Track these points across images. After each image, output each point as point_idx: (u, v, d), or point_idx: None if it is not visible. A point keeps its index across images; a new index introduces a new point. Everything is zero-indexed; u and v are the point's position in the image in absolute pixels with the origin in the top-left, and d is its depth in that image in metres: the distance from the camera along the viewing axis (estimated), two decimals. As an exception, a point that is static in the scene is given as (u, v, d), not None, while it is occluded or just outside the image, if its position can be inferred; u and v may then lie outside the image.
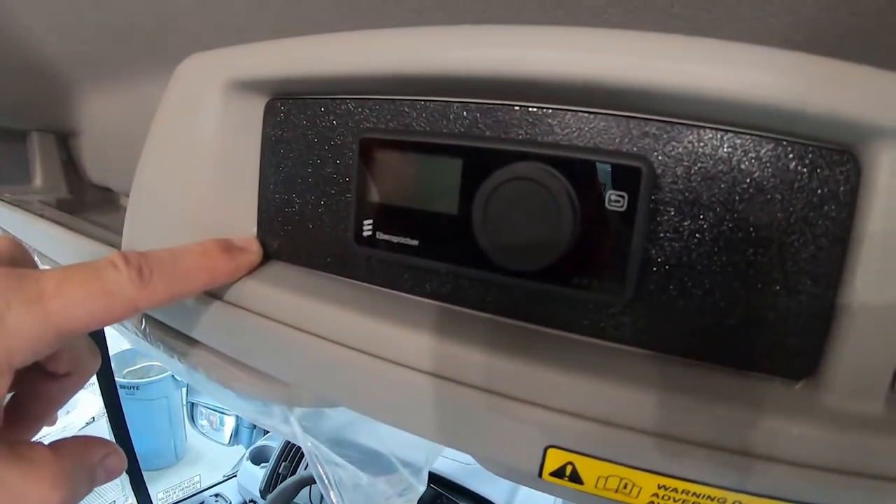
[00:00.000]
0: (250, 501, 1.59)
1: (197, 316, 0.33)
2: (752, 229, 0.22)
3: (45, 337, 0.22)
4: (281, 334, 0.29)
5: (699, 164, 0.22)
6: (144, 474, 1.60)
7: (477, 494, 1.31)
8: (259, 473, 1.53)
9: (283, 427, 0.40)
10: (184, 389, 2.52)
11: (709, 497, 0.22)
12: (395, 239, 0.27)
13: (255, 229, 0.33)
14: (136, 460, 1.56)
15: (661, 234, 0.23)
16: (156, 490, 1.86)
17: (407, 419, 0.27)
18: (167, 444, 2.75)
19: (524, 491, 1.32)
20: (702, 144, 0.22)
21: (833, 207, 0.21)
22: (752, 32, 0.24)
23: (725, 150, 0.22)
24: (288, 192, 0.31)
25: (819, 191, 0.21)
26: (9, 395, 0.25)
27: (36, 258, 0.57)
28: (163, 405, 2.80)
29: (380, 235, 0.27)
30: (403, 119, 0.27)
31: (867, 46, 0.22)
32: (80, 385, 0.30)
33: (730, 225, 0.22)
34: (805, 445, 0.20)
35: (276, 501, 1.31)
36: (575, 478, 0.23)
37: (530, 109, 0.24)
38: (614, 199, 0.22)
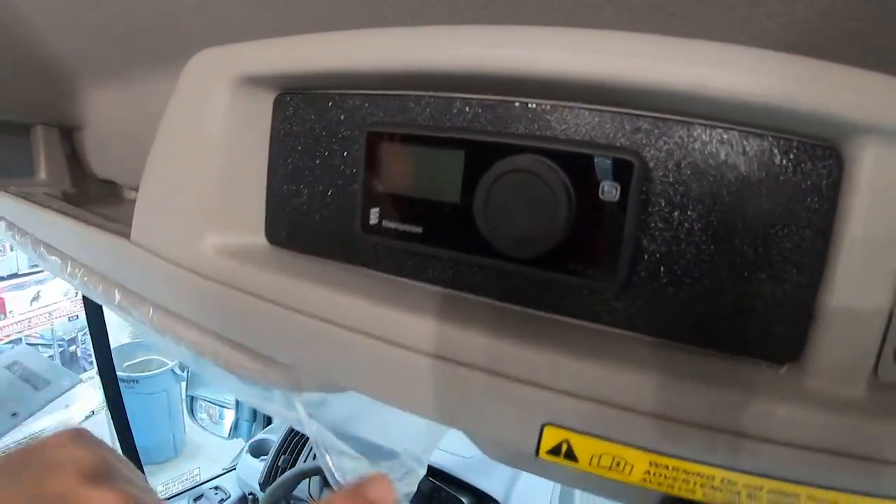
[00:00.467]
0: (249, 494, 1.60)
1: (206, 303, 0.34)
2: (738, 220, 0.23)
3: None
4: (288, 319, 0.30)
5: (689, 158, 0.23)
6: (144, 468, 1.60)
7: (475, 488, 1.31)
8: (258, 466, 1.53)
9: (288, 412, 0.41)
10: (183, 383, 2.52)
11: (698, 475, 0.23)
12: (400, 227, 0.28)
13: (263, 220, 0.34)
14: (137, 454, 1.57)
15: (653, 224, 0.24)
16: (155, 483, 1.86)
17: (409, 399, 0.28)
18: (166, 438, 2.75)
19: (522, 484, 1.32)
20: (691, 139, 0.23)
21: (816, 200, 0.22)
22: (747, 34, 0.25)
23: (714, 144, 0.23)
24: (296, 183, 0.32)
25: (803, 184, 0.22)
26: None
27: (42, 249, 0.57)
28: (162, 399, 2.80)
29: (386, 223, 0.28)
30: (408, 113, 0.28)
31: (861, 50, 0.23)
32: None
33: (718, 216, 0.23)
34: (790, 426, 0.21)
35: (276, 493, 1.32)
36: (570, 455, 0.24)
37: (529, 105, 0.25)
38: (608, 190, 0.23)
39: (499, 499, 1.30)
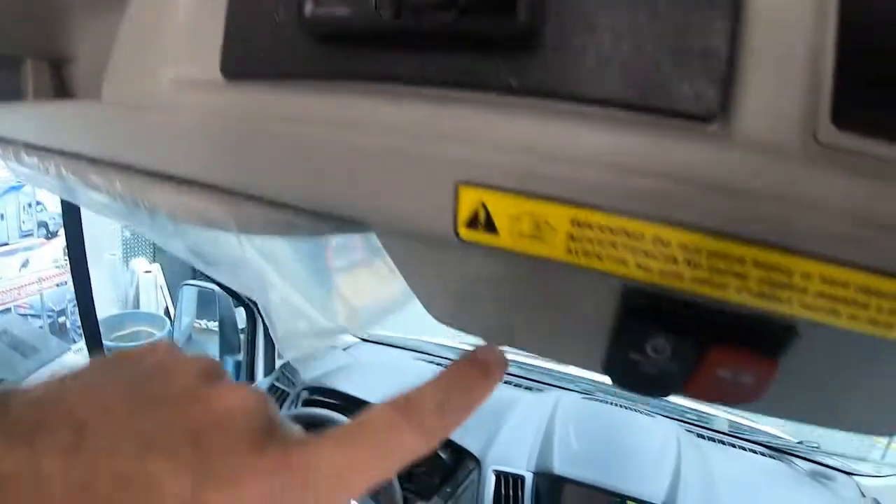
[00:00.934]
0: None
1: (153, 140, 0.34)
2: None
3: None
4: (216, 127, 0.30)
5: None
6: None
7: (454, 443, 1.32)
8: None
9: (234, 251, 0.40)
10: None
11: (625, 233, 0.21)
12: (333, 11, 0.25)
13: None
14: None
15: None
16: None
17: (322, 187, 0.28)
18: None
19: (501, 440, 1.34)
20: None
21: None
22: None
23: None
24: (247, 11, 0.30)
25: None
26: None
27: (22, 153, 0.58)
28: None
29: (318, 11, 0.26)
30: None
31: None
32: None
33: None
34: (716, 167, 0.20)
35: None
36: (490, 226, 0.23)
37: None
38: None
39: (477, 454, 1.31)
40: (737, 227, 0.20)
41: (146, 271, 3.15)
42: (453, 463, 1.33)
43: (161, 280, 3.15)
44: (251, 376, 1.80)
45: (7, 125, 0.55)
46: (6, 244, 2.58)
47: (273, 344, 1.79)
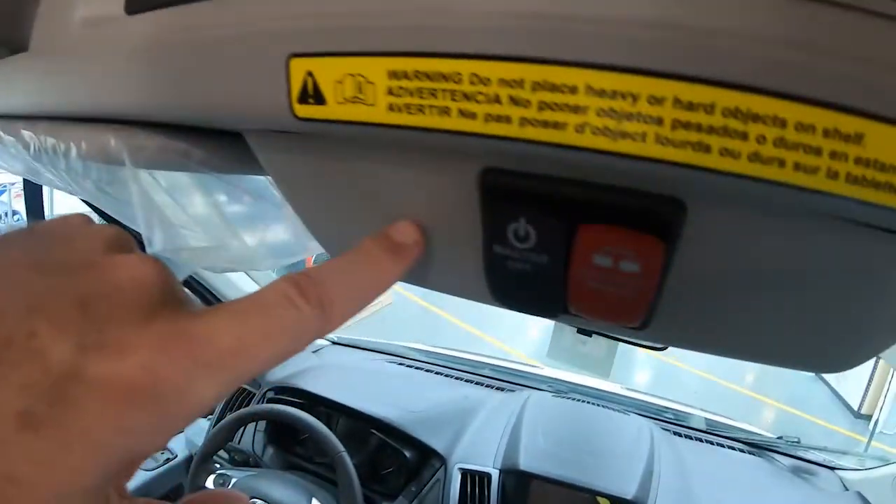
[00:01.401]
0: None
1: (66, 82, 0.33)
2: None
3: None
4: None
5: None
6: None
7: (420, 442, 1.29)
8: (206, 425, 1.51)
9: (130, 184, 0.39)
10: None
11: (442, 76, 0.19)
12: None
13: None
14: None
15: None
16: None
17: (183, 91, 0.27)
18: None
19: (467, 440, 1.31)
20: None
21: None
22: None
23: None
24: None
25: None
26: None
27: None
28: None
29: None
30: None
31: None
32: None
33: None
34: None
35: (214, 442, 1.29)
36: (318, 96, 0.22)
37: None
38: None
39: (443, 453, 1.28)
40: (559, 51, 0.17)
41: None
42: (418, 462, 1.30)
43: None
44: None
45: None
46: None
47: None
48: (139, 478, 1.46)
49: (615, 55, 0.16)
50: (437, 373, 1.73)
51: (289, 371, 1.56)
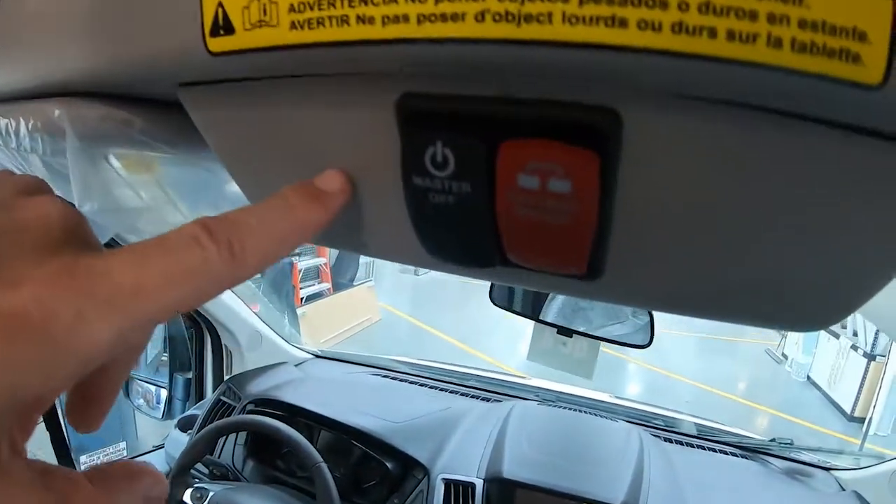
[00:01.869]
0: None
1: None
2: None
3: (120, 341, 0.18)
4: None
5: None
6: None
7: (402, 453, 1.26)
8: (185, 440, 1.47)
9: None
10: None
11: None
12: None
13: None
14: (69, 452, 1.49)
15: None
16: (78, 457, 1.78)
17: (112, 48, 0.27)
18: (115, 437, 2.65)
19: (449, 451, 1.28)
20: None
21: None
22: None
23: None
24: None
25: None
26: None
27: None
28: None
29: None
30: None
31: None
32: (139, 353, 0.27)
33: None
34: None
35: (192, 454, 1.25)
36: (228, 26, 0.21)
37: None
38: None
39: (426, 464, 1.24)
40: None
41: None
42: (401, 474, 1.26)
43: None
44: (200, 393, 1.73)
45: None
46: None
47: (221, 361, 1.74)
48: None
49: None
50: (421, 384, 1.70)
51: (270, 383, 1.53)
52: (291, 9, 0.19)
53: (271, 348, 1.77)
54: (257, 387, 1.51)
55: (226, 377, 1.71)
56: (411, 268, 9.32)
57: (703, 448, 1.46)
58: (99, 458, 2.15)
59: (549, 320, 1.20)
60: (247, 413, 1.43)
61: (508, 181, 0.19)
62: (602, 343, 1.15)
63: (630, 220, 0.20)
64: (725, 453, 1.45)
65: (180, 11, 0.22)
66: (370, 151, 0.24)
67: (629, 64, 0.14)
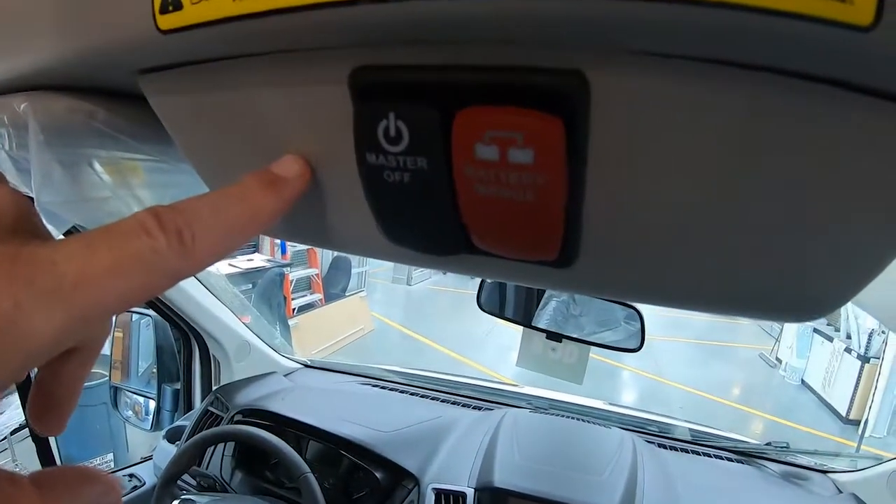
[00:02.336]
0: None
1: None
2: None
3: (66, 334, 0.17)
4: None
5: None
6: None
7: (392, 463, 1.24)
8: (173, 451, 1.45)
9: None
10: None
11: None
12: None
13: None
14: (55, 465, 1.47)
15: None
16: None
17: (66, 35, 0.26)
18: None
19: (439, 460, 1.26)
20: None
21: None
22: None
23: None
24: None
25: None
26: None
27: None
28: (101, 413, 2.66)
29: None
30: None
31: None
32: (98, 350, 0.26)
33: None
34: None
35: (178, 465, 1.23)
36: (175, 2, 0.20)
37: None
38: None
39: (416, 474, 1.22)
40: None
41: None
42: (390, 484, 1.24)
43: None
44: (189, 404, 1.71)
45: None
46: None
47: (209, 371, 1.71)
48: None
49: None
50: (411, 394, 1.67)
51: (259, 393, 1.51)
52: None
53: (260, 358, 1.75)
54: (245, 397, 1.49)
55: (214, 387, 1.69)
56: (404, 277, 9.31)
57: (697, 453, 1.44)
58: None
59: (541, 327, 1.19)
60: (234, 423, 1.40)
61: (466, 153, 0.17)
62: (595, 351, 1.14)
63: (604, 197, 0.18)
64: (721, 458, 1.43)
65: None
66: (327, 132, 0.22)
67: (598, 12, 0.13)
